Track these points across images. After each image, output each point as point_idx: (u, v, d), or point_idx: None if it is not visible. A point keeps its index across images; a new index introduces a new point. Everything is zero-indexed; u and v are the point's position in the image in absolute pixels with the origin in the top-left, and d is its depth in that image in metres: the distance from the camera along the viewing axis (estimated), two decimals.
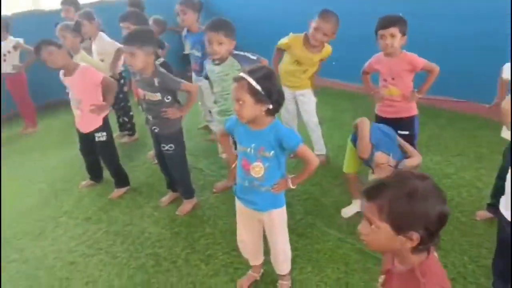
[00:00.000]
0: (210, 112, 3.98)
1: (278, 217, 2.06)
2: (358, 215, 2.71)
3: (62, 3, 4.43)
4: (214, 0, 6.19)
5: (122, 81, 3.93)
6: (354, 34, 4.74)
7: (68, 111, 3.44)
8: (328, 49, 3.24)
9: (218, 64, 2.70)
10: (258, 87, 1.78)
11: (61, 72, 3.05)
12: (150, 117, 2.84)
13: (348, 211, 2.79)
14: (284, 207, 2.08)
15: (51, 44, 2.90)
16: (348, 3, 4.72)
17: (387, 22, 2.59)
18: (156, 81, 2.64)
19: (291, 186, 1.98)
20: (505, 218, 1.84)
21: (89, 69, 3.06)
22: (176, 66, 3.80)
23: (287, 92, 3.28)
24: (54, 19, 4.44)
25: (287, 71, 3.27)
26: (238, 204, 2.14)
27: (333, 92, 4.95)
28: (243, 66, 2.52)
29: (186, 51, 3.82)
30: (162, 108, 2.71)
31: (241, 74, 1.84)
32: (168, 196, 3.13)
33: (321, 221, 2.77)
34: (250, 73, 1.82)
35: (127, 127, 4.18)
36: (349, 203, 2.83)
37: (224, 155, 3.10)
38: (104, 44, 3.79)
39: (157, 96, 2.68)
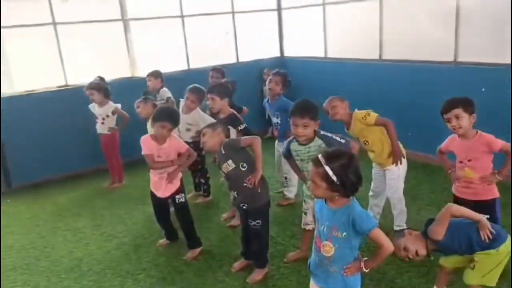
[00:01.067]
0: (285, 178, 4.10)
1: None
2: None
3: (148, 75, 4.94)
4: (289, 64, 6.54)
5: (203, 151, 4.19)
6: (429, 104, 4.75)
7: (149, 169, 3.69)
8: (356, 114, 3.24)
9: (304, 145, 2.78)
10: (334, 178, 1.81)
11: (151, 139, 3.31)
12: (235, 194, 2.94)
13: None
14: None
15: (168, 121, 3.18)
16: (423, 75, 4.78)
17: (449, 105, 2.59)
18: (222, 151, 2.84)
19: (364, 270, 1.94)
20: None
21: (178, 140, 3.35)
22: (258, 128, 4.08)
23: (375, 169, 3.43)
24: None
25: (370, 155, 3.39)
26: (312, 279, 2.13)
27: (409, 163, 4.82)
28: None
29: (267, 116, 4.06)
30: (242, 180, 2.83)
31: (320, 158, 1.87)
32: (240, 262, 3.17)
33: None
34: (328, 159, 1.85)
35: (203, 188, 4.38)
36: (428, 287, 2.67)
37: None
38: (199, 121, 4.00)
39: (231, 164, 2.82)
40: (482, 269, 2.28)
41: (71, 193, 4.93)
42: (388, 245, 1.90)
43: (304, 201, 3.10)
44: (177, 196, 3.31)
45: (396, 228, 3.34)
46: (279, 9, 6.86)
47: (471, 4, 4.32)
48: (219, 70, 4.86)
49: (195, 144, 3.91)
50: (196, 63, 6.15)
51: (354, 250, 1.95)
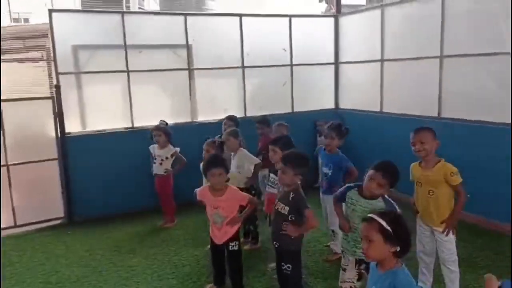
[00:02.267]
0: (332, 231, 4.06)
1: None
2: None
3: (226, 119, 5.29)
4: (343, 116, 6.59)
5: (253, 192, 4.29)
6: (486, 166, 4.60)
7: (201, 212, 3.81)
8: (445, 165, 3.09)
9: (365, 198, 2.81)
10: (388, 228, 1.90)
11: (208, 190, 3.45)
12: (273, 229, 3.05)
13: None
14: None
15: (222, 167, 3.30)
16: (481, 135, 4.65)
17: None
18: (291, 195, 2.92)
19: None
20: None
21: (237, 191, 3.44)
22: (309, 176, 4.10)
23: (424, 227, 3.24)
24: (206, 131, 5.22)
25: (420, 204, 3.22)
26: None
27: (470, 227, 4.61)
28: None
29: (319, 166, 4.10)
30: (285, 223, 2.92)
31: (372, 215, 1.98)
32: None
33: None
34: (380, 215, 1.97)
35: (252, 235, 4.42)
36: None
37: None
38: (244, 159, 4.25)
39: (286, 210, 2.91)
40: None
41: (126, 229, 5.14)
42: None
43: (343, 256, 3.05)
44: (231, 244, 3.38)
45: None
46: (336, 63, 7.03)
47: None
48: (232, 118, 5.27)
49: (248, 191, 4.04)
50: (253, 111, 6.38)
51: None
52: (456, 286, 3.21)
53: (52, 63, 5.36)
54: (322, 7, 26.04)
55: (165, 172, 5.09)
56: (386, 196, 2.79)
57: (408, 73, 5.79)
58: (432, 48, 5.29)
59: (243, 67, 6.32)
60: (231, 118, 5.29)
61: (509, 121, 4.41)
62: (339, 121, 4.38)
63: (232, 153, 4.42)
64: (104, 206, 5.45)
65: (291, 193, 2.94)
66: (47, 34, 9.48)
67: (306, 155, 3.11)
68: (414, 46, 5.62)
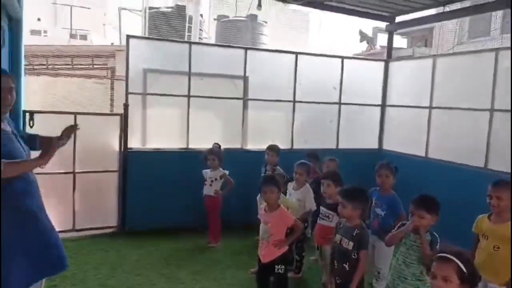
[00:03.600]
0: (378, 273, 4.16)
1: None
2: None
3: (267, 149, 5.50)
4: (386, 157, 6.73)
5: (306, 224, 4.49)
6: None
7: (244, 236, 4.01)
8: None
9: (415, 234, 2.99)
10: (465, 270, 2.00)
11: (262, 206, 3.73)
12: (336, 265, 3.20)
13: None
14: None
15: (275, 186, 3.59)
16: None
17: None
18: (355, 231, 3.11)
19: None
20: None
21: (286, 212, 3.69)
22: None
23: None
24: (252, 158, 5.52)
25: (482, 258, 3.18)
26: None
27: None
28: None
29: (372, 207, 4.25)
30: (347, 260, 3.08)
31: (448, 256, 2.05)
32: None
33: None
34: (456, 255, 2.05)
35: (296, 264, 4.59)
36: None
37: None
38: (306, 196, 4.45)
39: (351, 245, 3.08)
40: None
41: (174, 244, 5.41)
42: None
43: None
44: (276, 266, 3.55)
45: None
46: (383, 105, 7.26)
47: None
48: (274, 148, 5.48)
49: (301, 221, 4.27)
50: (299, 144, 6.65)
51: None
52: None
53: (116, 82, 5.84)
54: (363, 46, 26.43)
55: (215, 194, 5.38)
56: (434, 232, 2.96)
57: (457, 122, 5.93)
58: (483, 101, 5.44)
59: (294, 101, 6.64)
60: (272, 149, 5.52)
61: None
62: (387, 160, 4.53)
63: (296, 185, 4.61)
64: (155, 220, 5.75)
65: (356, 229, 3.12)
66: (114, 55, 10.31)
67: (365, 189, 3.30)
68: (465, 97, 5.78)
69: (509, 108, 5.11)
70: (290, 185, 4.65)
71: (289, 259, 3.87)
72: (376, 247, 3.93)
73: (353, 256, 3.08)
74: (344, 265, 3.11)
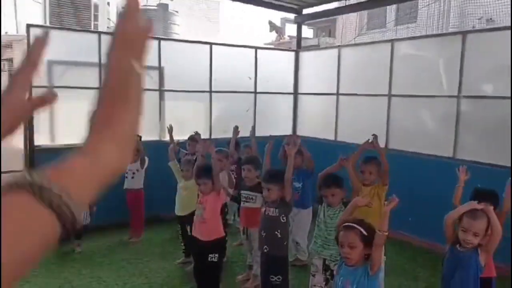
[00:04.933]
0: (297, 243, 4.47)
1: None
2: None
3: (189, 139, 5.52)
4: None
5: (226, 209, 4.66)
6: (428, 193, 5.31)
7: (168, 227, 4.04)
8: None
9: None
10: (367, 234, 2.32)
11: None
12: (263, 235, 3.39)
13: None
14: None
15: (207, 177, 3.68)
16: (423, 167, 5.36)
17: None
18: (278, 201, 3.37)
19: None
20: None
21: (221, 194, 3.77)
22: None
23: None
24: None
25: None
26: None
27: (408, 246, 5.24)
28: None
29: None
30: (277, 228, 3.29)
31: (352, 224, 2.37)
32: None
33: None
34: (359, 223, 2.38)
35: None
36: None
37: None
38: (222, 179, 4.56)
39: (276, 212, 3.30)
40: None
41: (95, 242, 5.21)
42: None
43: (312, 263, 3.47)
44: (210, 255, 3.60)
45: None
46: (295, 93, 7.63)
47: (470, 110, 5.00)
48: (194, 138, 5.53)
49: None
50: (218, 134, 6.75)
51: None
52: None
53: None
54: (273, 36, 27.23)
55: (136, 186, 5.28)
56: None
57: (360, 107, 6.48)
58: (382, 87, 6.01)
59: (210, 91, 6.70)
60: (193, 139, 5.61)
61: (450, 155, 5.14)
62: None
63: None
64: None
65: (278, 199, 3.36)
66: (11, 45, 9.36)
67: (282, 171, 3.53)
68: (367, 84, 6.33)
69: (405, 93, 5.72)
70: None
71: (224, 245, 3.94)
72: (295, 220, 4.21)
73: (282, 221, 3.30)
74: (276, 232, 3.30)
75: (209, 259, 3.62)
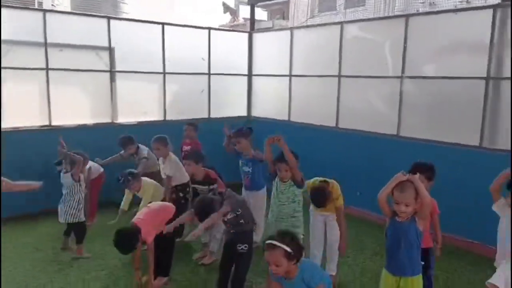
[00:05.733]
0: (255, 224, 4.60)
1: None
2: None
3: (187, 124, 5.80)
4: (255, 123, 7.30)
5: (189, 188, 4.66)
6: (374, 168, 5.63)
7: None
8: None
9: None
10: (290, 250, 2.39)
11: None
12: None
13: None
14: None
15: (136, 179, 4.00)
16: (370, 144, 5.66)
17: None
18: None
19: None
20: None
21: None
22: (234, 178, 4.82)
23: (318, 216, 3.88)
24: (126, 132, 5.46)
25: None
26: None
27: (357, 220, 5.56)
28: None
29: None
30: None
31: (274, 242, 2.41)
32: None
33: None
34: (281, 239, 2.43)
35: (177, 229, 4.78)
36: None
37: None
38: (172, 164, 4.63)
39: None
40: None
41: (47, 228, 5.10)
42: None
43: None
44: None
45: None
46: (249, 75, 7.71)
47: (412, 90, 5.32)
48: (193, 124, 5.77)
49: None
50: (173, 116, 6.73)
51: None
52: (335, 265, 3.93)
53: None
54: (227, 18, 26.97)
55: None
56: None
57: (312, 88, 6.68)
58: (332, 68, 6.22)
59: (164, 73, 6.63)
60: (192, 124, 5.85)
61: (394, 133, 5.46)
62: (239, 127, 4.83)
63: (162, 160, 4.73)
64: (25, 204, 5.19)
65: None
66: None
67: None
68: (318, 65, 6.52)
69: (354, 74, 5.96)
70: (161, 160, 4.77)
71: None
72: (251, 203, 4.34)
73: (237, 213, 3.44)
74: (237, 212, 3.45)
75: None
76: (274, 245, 2.39)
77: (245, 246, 3.42)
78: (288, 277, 2.47)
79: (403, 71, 5.33)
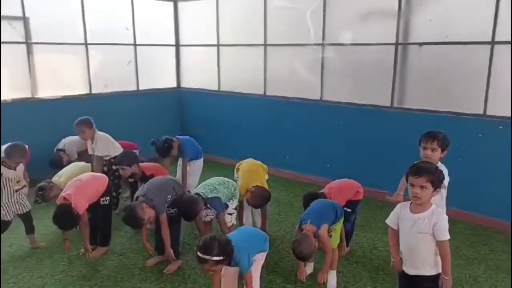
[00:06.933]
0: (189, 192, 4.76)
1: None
2: (310, 276, 3.50)
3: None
4: (185, 94, 7.35)
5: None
6: (299, 132, 5.99)
7: None
8: None
9: None
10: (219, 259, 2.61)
11: None
12: None
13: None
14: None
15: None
16: (296, 109, 5.99)
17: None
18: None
19: None
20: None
21: None
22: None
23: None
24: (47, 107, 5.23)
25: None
26: None
27: (287, 181, 5.93)
28: None
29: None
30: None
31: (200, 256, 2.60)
32: (154, 258, 3.73)
33: (280, 279, 3.51)
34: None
35: (113, 201, 4.77)
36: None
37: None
38: (98, 142, 4.65)
39: None
40: None
41: None
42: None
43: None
44: (102, 199, 3.80)
45: None
46: (177, 45, 7.64)
47: (332, 56, 5.65)
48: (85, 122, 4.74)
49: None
50: (99, 89, 6.53)
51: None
52: None
53: None
54: None
55: None
56: None
57: (240, 57, 6.81)
58: (258, 37, 6.38)
59: (86, 43, 6.36)
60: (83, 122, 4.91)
61: (318, 98, 5.80)
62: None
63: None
64: None
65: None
66: None
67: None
68: (245, 34, 6.64)
69: (280, 42, 6.17)
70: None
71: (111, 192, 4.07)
72: (189, 170, 4.48)
73: None
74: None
75: (101, 202, 3.81)
76: (204, 259, 2.58)
77: (175, 211, 3.58)
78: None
79: (323, 38, 5.64)
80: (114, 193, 4.73)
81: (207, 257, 2.56)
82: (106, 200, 3.82)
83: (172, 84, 7.73)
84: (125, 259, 3.85)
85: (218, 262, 2.60)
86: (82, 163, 4.66)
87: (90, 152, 4.73)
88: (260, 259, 2.96)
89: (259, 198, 3.90)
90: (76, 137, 5.03)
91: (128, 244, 4.13)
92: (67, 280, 3.49)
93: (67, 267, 3.69)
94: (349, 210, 3.72)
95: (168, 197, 3.53)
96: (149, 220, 3.50)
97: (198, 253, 2.59)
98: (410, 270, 2.53)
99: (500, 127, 4.34)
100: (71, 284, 3.44)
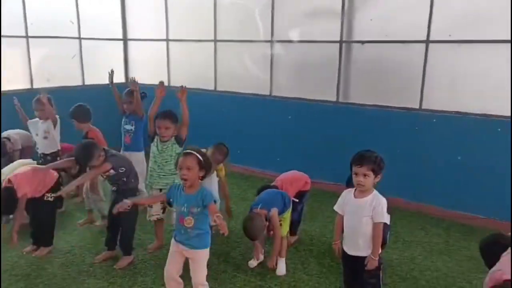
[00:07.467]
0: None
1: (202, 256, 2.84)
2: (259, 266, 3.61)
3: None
4: None
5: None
6: (249, 127, 6.11)
7: None
8: None
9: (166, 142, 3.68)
10: (202, 159, 2.71)
11: None
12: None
13: (253, 263, 3.63)
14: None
15: None
16: (246, 104, 6.10)
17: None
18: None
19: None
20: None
21: None
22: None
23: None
24: None
25: None
26: (174, 243, 2.84)
27: (239, 175, 6.01)
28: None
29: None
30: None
31: (191, 151, 2.73)
32: (104, 254, 3.68)
33: (231, 268, 3.59)
34: (197, 151, 2.75)
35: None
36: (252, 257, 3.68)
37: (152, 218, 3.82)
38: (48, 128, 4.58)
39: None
40: None
41: None
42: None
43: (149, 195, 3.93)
44: (47, 194, 3.67)
45: None
46: (125, 39, 7.48)
47: (281, 53, 5.80)
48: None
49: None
50: (41, 83, 6.26)
51: (206, 218, 2.77)
52: None
53: None
54: None
55: None
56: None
57: (190, 52, 6.80)
58: (208, 33, 6.40)
59: (27, 36, 6.09)
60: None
61: (267, 93, 5.92)
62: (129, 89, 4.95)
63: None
64: None
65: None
66: None
67: None
68: (195, 30, 6.64)
69: (230, 38, 6.23)
70: None
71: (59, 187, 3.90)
72: (133, 161, 4.42)
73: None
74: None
75: (45, 198, 3.67)
76: (190, 152, 2.71)
77: (128, 206, 3.51)
78: (189, 191, 2.72)
79: (272, 35, 5.77)
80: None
81: (194, 152, 2.70)
82: (50, 197, 3.68)
83: (121, 79, 7.56)
84: (72, 256, 3.76)
85: (199, 162, 2.68)
86: (28, 160, 4.45)
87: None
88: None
89: (218, 154, 4.00)
90: (24, 131, 4.96)
91: (74, 242, 4.03)
92: (12, 278, 3.36)
93: (10, 267, 3.54)
94: (296, 200, 3.86)
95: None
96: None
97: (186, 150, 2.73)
98: (352, 251, 2.70)
99: (434, 120, 4.68)
100: (14, 284, 3.31)
